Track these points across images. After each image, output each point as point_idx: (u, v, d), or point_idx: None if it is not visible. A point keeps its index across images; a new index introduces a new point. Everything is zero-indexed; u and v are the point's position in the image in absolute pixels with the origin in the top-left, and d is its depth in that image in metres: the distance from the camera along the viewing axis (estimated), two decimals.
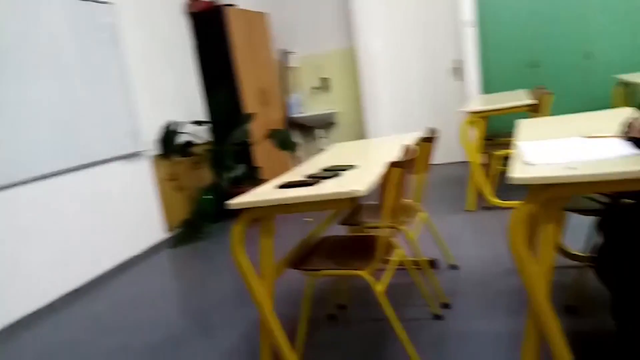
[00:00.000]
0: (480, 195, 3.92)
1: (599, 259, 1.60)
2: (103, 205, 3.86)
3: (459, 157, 5.56)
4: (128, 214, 4.09)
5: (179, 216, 4.65)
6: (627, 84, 4.50)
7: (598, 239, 1.62)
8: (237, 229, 1.85)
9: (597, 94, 4.99)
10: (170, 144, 4.42)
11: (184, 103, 4.92)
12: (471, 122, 3.78)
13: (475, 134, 3.89)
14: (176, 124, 4.49)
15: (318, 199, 1.74)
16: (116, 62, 4.04)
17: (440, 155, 5.66)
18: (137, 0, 4.40)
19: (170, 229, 4.55)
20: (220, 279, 3.37)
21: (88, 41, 3.78)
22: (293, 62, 6.30)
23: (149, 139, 4.38)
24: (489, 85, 5.37)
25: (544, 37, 5.08)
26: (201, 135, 4.91)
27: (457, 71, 5.68)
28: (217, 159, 4.60)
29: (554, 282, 2.40)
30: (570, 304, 2.17)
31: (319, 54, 6.20)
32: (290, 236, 3.80)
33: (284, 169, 5.10)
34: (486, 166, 4.22)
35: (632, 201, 1.67)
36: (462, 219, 3.73)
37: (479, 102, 4.30)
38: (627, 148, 1.43)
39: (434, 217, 3.68)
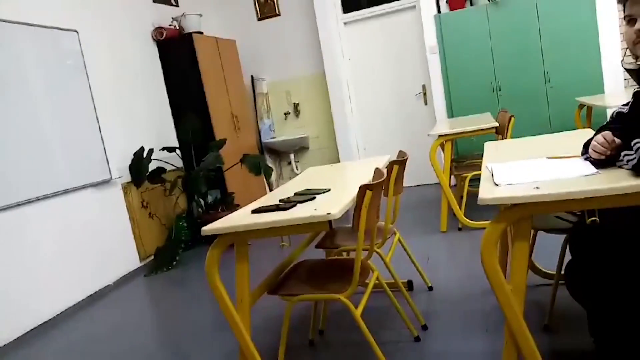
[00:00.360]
0: (452, 216, 3.99)
1: (571, 277, 1.64)
2: (75, 233, 3.77)
3: (429, 180, 5.66)
4: (100, 243, 4.00)
5: (152, 244, 4.57)
6: (586, 106, 4.70)
7: (569, 257, 1.67)
8: (212, 255, 1.84)
9: (558, 116, 5.18)
10: (141, 171, 4.37)
11: (155, 129, 4.89)
12: (439, 145, 3.88)
13: (443, 156, 3.99)
14: (147, 150, 4.45)
15: (293, 222, 1.75)
16: (84, 89, 4.01)
17: (413, 177, 5.76)
18: (104, 28, 4.40)
19: (144, 257, 4.46)
20: (197, 306, 3.31)
21: (55, 69, 3.74)
22: (263, 88, 6.36)
23: (120, 166, 4.32)
24: (455, 109, 5.52)
25: (506, 61, 5.28)
26: (173, 161, 4.87)
27: (424, 95, 5.83)
28: (190, 185, 4.57)
29: (532, 301, 2.45)
30: (547, 322, 2.21)
31: (289, 80, 6.28)
32: (266, 262, 3.78)
33: (258, 194, 5.09)
34: (455, 187, 4.31)
35: (595, 219, 1.74)
36: (436, 240, 3.78)
37: (446, 125, 4.41)
38: (587, 168, 1.49)
39: (408, 238, 3.71)
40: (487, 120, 4.05)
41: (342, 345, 2.42)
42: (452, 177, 4.68)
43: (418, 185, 5.89)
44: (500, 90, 5.35)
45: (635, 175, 1.31)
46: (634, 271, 1.45)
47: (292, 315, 2.81)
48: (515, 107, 5.03)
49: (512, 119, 3.80)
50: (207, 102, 5.05)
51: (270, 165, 5.98)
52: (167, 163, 4.76)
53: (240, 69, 5.93)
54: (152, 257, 4.52)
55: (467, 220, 3.84)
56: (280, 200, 2.07)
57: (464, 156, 4.75)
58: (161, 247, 4.55)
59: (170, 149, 4.75)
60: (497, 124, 3.77)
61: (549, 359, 1.86)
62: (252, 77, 6.24)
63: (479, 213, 4.00)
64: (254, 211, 1.95)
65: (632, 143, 1.38)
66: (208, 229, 1.86)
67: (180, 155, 4.96)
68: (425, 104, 5.84)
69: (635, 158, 1.34)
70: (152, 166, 4.49)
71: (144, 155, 4.41)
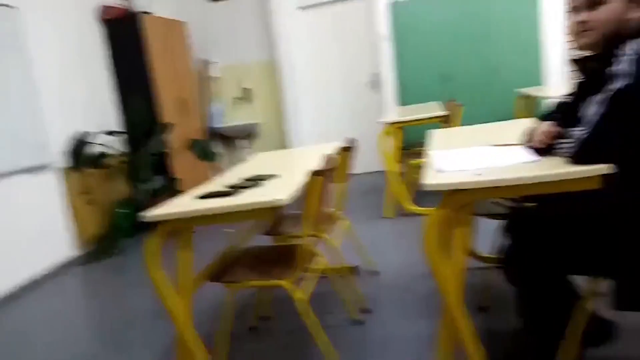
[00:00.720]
0: (398, 203, 4.05)
1: (505, 260, 1.70)
2: (8, 220, 3.56)
3: (377, 167, 5.71)
4: (33, 230, 3.79)
5: (92, 231, 4.38)
6: (527, 97, 4.87)
7: (504, 242, 1.72)
8: (151, 243, 1.77)
9: (502, 106, 5.35)
10: (81, 156, 4.16)
11: (97, 113, 4.67)
12: (388, 133, 3.91)
13: (392, 144, 4.03)
14: (88, 134, 4.24)
15: (238, 209, 1.70)
16: (20, 69, 3.76)
17: (360, 164, 5.77)
18: (45, 5, 4.13)
19: (83, 244, 4.27)
20: (136, 295, 3.21)
21: None
22: (214, 72, 6.20)
23: (58, 151, 4.10)
24: (405, 97, 5.60)
25: (455, 52, 5.39)
26: (115, 146, 4.67)
27: (375, 84, 5.86)
28: (133, 171, 4.40)
29: (467, 283, 2.52)
30: (481, 304, 2.29)
31: (241, 65, 6.15)
32: (210, 250, 3.71)
33: (205, 180, 4.98)
34: (403, 175, 4.38)
35: (534, 204, 1.80)
36: (381, 226, 3.83)
37: (395, 113, 4.46)
38: (528, 155, 1.54)
39: (354, 224, 3.74)
40: (436, 109, 4.12)
41: (287, 331, 2.41)
42: (401, 164, 4.74)
43: (368, 173, 5.94)
44: (449, 80, 5.46)
45: (571, 163, 1.36)
46: (566, 255, 1.51)
47: (238, 301, 2.77)
48: (463, 96, 5.14)
49: (461, 108, 3.89)
50: (153, 85, 4.86)
51: (220, 150, 5.86)
52: (110, 147, 4.56)
53: (190, 52, 5.74)
54: (92, 245, 4.33)
55: (412, 206, 3.91)
56: (226, 186, 2.01)
57: (413, 144, 4.82)
58: (102, 235, 4.37)
59: (112, 133, 4.55)
60: (445, 113, 3.84)
61: (484, 338, 1.92)
62: (202, 60, 6.07)
63: (428, 200, 4.08)
64: (198, 197, 1.89)
65: (568, 132, 1.42)
66: (151, 215, 1.78)
67: (125, 139, 4.76)
68: (376, 92, 5.88)
69: (571, 146, 1.38)
70: (94, 151, 4.29)
71: (85, 139, 4.21)
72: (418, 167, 3.93)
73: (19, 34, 3.75)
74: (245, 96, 6.25)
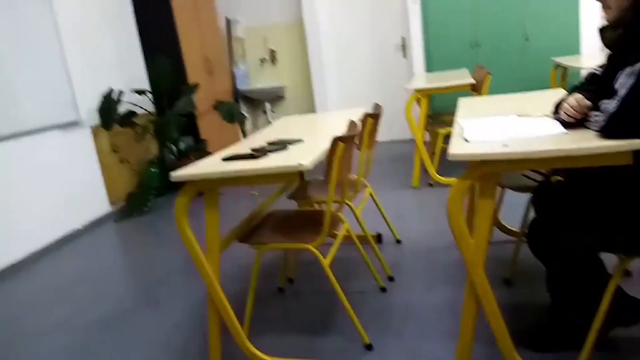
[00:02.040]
0: (425, 172, 4.04)
1: (533, 234, 1.69)
2: (41, 176, 3.68)
3: (406, 135, 5.67)
4: (69, 186, 3.92)
5: (122, 189, 4.51)
6: (563, 66, 4.72)
7: (532, 215, 1.71)
8: (181, 201, 1.82)
9: (535, 75, 5.20)
10: (111, 114, 4.24)
11: (125, 70, 4.72)
12: (416, 100, 3.86)
13: (419, 112, 3.98)
14: (117, 92, 4.31)
15: (263, 172, 1.73)
16: (49, 24, 3.80)
17: (387, 132, 5.76)
18: None
19: (114, 202, 4.41)
20: (167, 252, 3.32)
21: (19, 6, 3.52)
22: (239, 32, 6.15)
23: (88, 108, 4.18)
24: (433, 64, 5.48)
25: (486, 18, 5.22)
26: (145, 105, 4.73)
27: (403, 48, 5.75)
28: (161, 131, 4.47)
29: (494, 256, 2.53)
30: (507, 276, 2.30)
31: (266, 26, 6.08)
32: (237, 211, 3.78)
33: (231, 142, 5.03)
34: (430, 143, 4.34)
35: (562, 178, 1.78)
36: (407, 195, 3.83)
37: (423, 79, 4.38)
38: (557, 127, 1.51)
39: (380, 193, 3.76)
40: (464, 76, 4.03)
41: (311, 294, 2.48)
42: (427, 133, 4.70)
43: (393, 141, 5.90)
44: (479, 46, 5.31)
45: (601, 137, 1.33)
46: (593, 231, 1.50)
47: (263, 264, 2.85)
48: (493, 63, 5.02)
49: (489, 76, 3.80)
50: (179, 44, 4.86)
51: (244, 113, 5.88)
52: (138, 107, 4.63)
53: (215, 11, 5.70)
54: (123, 203, 4.47)
55: (438, 176, 3.89)
56: (252, 149, 2.04)
57: (440, 112, 4.75)
58: (132, 193, 4.49)
59: (141, 92, 4.61)
60: (473, 81, 3.76)
61: (507, 311, 1.94)
62: (227, 19, 6.02)
63: (451, 170, 4.06)
64: (224, 159, 1.92)
65: (599, 104, 1.39)
66: (177, 175, 1.83)
67: (151, 99, 4.82)
68: (404, 56, 5.77)
69: (602, 119, 1.35)
70: (122, 109, 4.37)
71: (114, 97, 4.27)
72: (445, 136, 3.90)
73: None
74: (271, 58, 6.20)
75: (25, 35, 3.59)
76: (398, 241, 2.96)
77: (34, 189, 3.61)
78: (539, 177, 2.07)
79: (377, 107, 2.62)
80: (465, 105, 2.36)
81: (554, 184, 1.80)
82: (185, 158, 4.67)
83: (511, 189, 2.22)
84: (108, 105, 4.24)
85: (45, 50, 3.75)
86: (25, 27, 3.59)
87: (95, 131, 4.25)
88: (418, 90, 3.83)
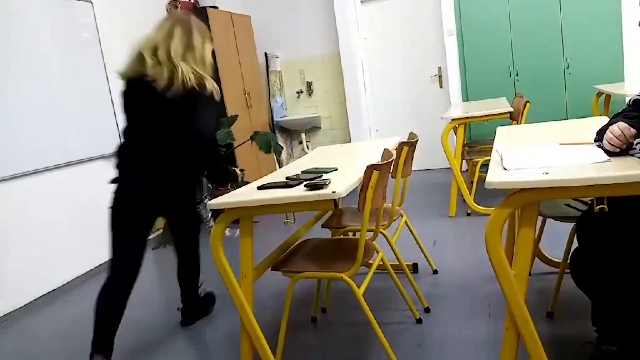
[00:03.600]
0: (462, 202, 3.96)
1: (576, 265, 1.62)
2: (84, 204, 3.81)
3: (442, 164, 5.61)
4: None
5: (161, 217, 4.60)
6: (605, 94, 4.60)
7: (576, 246, 1.65)
8: (217, 229, 1.84)
9: (576, 103, 5.09)
10: None
11: None
12: (452, 129, 3.83)
13: (456, 140, 3.94)
14: None
15: (297, 200, 1.74)
16: (97, 61, 4.00)
17: (425, 161, 5.71)
18: (118, 0, 4.36)
19: (153, 230, 4.49)
20: (202, 279, 3.34)
21: (68, 40, 3.74)
22: (276, 65, 6.31)
23: None
24: (470, 93, 5.44)
25: (524, 48, 5.17)
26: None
27: (439, 78, 5.74)
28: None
29: (537, 288, 2.44)
30: (549, 310, 2.20)
31: (303, 58, 6.22)
32: (272, 239, 3.79)
33: (268, 171, 5.10)
34: (468, 172, 4.27)
35: (606, 207, 1.71)
36: (444, 225, 3.76)
37: (460, 108, 4.35)
38: (599, 155, 1.46)
39: (416, 222, 3.70)
40: (502, 105, 3.98)
41: (344, 324, 2.44)
42: (464, 162, 4.63)
43: (429, 170, 5.85)
44: (517, 74, 5.26)
45: None
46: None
47: (296, 292, 2.83)
48: (532, 92, 4.93)
49: (528, 104, 3.74)
50: (219, 78, 5.02)
51: (281, 143, 5.96)
52: None
53: (254, 46, 5.88)
54: (161, 231, 4.56)
55: (476, 205, 3.81)
56: (287, 178, 2.06)
57: (477, 141, 4.69)
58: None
59: None
60: (511, 109, 3.71)
61: (550, 346, 1.85)
62: (265, 54, 6.19)
63: (489, 199, 3.97)
64: (259, 187, 1.95)
65: None
66: (214, 203, 1.87)
67: None
68: (441, 86, 5.76)
69: None
70: None
71: None
72: (482, 165, 3.83)
73: (92, 27, 3.99)
74: (308, 89, 6.31)
75: (77, 74, 3.79)
76: (435, 271, 2.89)
77: (77, 217, 3.74)
78: (582, 206, 2.00)
79: (412, 135, 2.61)
80: (504, 134, 2.33)
81: (597, 213, 1.73)
82: (222, 187, 4.75)
83: (553, 218, 2.15)
84: None
85: (94, 87, 3.94)
86: (76, 67, 3.79)
87: None
88: (455, 119, 3.81)
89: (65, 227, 3.63)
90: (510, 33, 5.19)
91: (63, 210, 3.63)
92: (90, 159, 3.87)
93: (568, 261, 1.64)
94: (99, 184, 3.93)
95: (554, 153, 1.63)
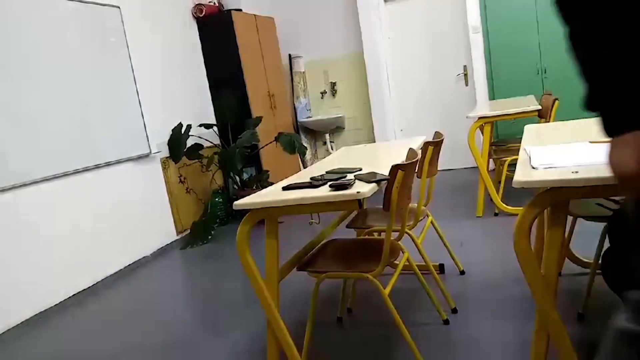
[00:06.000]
0: (489, 201, 3.91)
1: (608, 266, 1.59)
2: (114, 205, 3.91)
3: (468, 163, 5.55)
4: (139, 215, 4.13)
5: (188, 218, 4.69)
6: None
7: (607, 246, 1.61)
8: (242, 230, 1.86)
9: None
10: (179, 146, 4.46)
11: (193, 106, 4.97)
12: (479, 127, 3.78)
13: (482, 140, 3.89)
14: (185, 126, 4.53)
15: (321, 200, 1.74)
16: (125, 65, 4.09)
17: (451, 161, 5.66)
18: (145, 4, 4.45)
19: (181, 230, 4.58)
20: (229, 279, 3.39)
21: (97, 45, 3.83)
22: (301, 66, 6.33)
23: (159, 142, 4.43)
24: (497, 91, 5.36)
25: (552, 42, 5.07)
26: (210, 138, 4.94)
27: (466, 77, 5.67)
28: (226, 162, 4.63)
29: (568, 289, 2.39)
30: (580, 311, 2.15)
31: (327, 59, 6.23)
32: (297, 240, 3.81)
33: (293, 172, 5.13)
34: (495, 172, 4.21)
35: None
36: (471, 225, 3.72)
37: (487, 107, 4.29)
38: None
39: (443, 222, 3.67)
40: (529, 103, 3.91)
41: (370, 324, 2.43)
42: (491, 161, 4.56)
43: (455, 169, 5.78)
44: (545, 72, 5.15)
45: None
46: None
47: (321, 292, 2.84)
48: (561, 90, 4.83)
49: (556, 102, 3.66)
50: (244, 80, 5.08)
51: (305, 144, 5.99)
52: (205, 139, 4.84)
53: (278, 47, 5.91)
54: (188, 231, 4.63)
55: (503, 205, 3.75)
56: (311, 178, 2.07)
57: (504, 140, 4.61)
58: (197, 222, 4.65)
59: (208, 126, 4.82)
60: (539, 107, 3.64)
61: (581, 348, 1.81)
62: (289, 55, 6.23)
63: (517, 199, 3.90)
64: (284, 188, 1.96)
65: None
66: (239, 203, 1.88)
67: (217, 132, 5.03)
68: (466, 85, 5.69)
69: None
70: (189, 142, 4.58)
71: (182, 131, 4.49)
72: (509, 164, 3.77)
73: (120, 31, 4.08)
74: (332, 90, 6.32)
75: (106, 78, 3.88)
76: (462, 272, 2.86)
77: (106, 218, 3.83)
78: (614, 205, 1.95)
79: (438, 134, 2.58)
80: (532, 132, 2.29)
81: (629, 213, 1.68)
82: (248, 188, 4.81)
83: (584, 218, 2.10)
84: (177, 139, 4.47)
85: (122, 90, 4.03)
86: (106, 71, 3.88)
87: (164, 163, 4.47)
88: (482, 118, 3.75)
89: (94, 228, 3.72)
90: (537, 29, 5.09)
91: (94, 211, 3.72)
92: (119, 161, 3.96)
93: (599, 261, 1.60)
94: (127, 186, 4.04)
95: (584, 151, 1.59)
